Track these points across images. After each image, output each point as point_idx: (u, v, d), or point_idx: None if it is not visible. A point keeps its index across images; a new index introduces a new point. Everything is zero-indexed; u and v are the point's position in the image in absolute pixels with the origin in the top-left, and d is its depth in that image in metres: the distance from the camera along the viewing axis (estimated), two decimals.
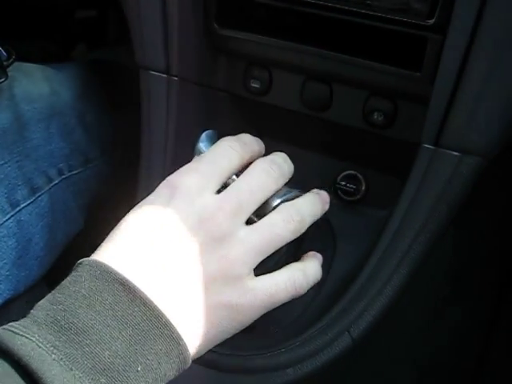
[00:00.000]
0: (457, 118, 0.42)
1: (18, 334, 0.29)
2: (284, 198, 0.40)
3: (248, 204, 0.37)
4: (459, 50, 0.41)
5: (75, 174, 0.65)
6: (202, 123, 0.48)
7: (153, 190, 0.39)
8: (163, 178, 0.52)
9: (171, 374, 0.33)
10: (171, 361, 0.32)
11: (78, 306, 0.30)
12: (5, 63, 0.56)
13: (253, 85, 0.53)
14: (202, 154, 0.41)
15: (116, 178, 0.71)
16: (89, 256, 0.34)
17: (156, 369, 0.31)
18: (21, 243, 0.56)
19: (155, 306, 0.31)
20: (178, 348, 0.32)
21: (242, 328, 0.37)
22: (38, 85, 0.63)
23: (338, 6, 0.44)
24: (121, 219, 0.37)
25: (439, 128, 0.43)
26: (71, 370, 0.28)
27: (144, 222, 0.35)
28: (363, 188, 0.53)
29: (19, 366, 0.28)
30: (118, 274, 0.31)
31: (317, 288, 0.49)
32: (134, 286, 0.31)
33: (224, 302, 0.35)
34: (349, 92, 0.50)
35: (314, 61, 0.49)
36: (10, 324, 0.30)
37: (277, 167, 0.40)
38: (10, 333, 0.29)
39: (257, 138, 0.43)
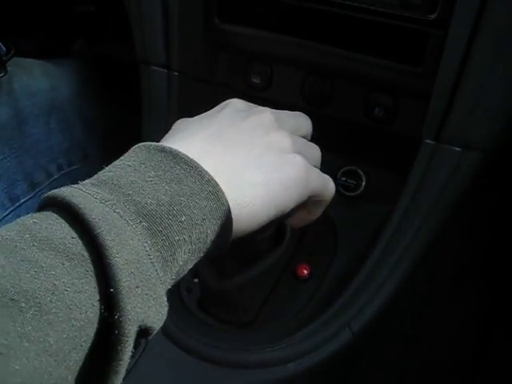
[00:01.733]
0: (458, 113, 0.42)
1: (64, 187, 0.29)
2: None
3: (295, 125, 0.40)
4: (461, 45, 0.41)
5: (75, 169, 0.65)
6: None
7: None
8: None
9: (214, 237, 0.32)
10: (214, 221, 0.31)
11: (123, 171, 0.31)
12: (4, 58, 0.56)
13: (254, 80, 0.53)
14: None
15: None
16: None
17: (199, 224, 0.30)
18: None
19: (197, 165, 0.31)
20: (221, 208, 0.31)
21: (292, 202, 0.36)
22: (37, 80, 0.62)
23: (339, 0, 0.44)
24: None
25: (440, 123, 0.43)
26: (112, 208, 0.28)
27: (194, 119, 0.38)
28: (364, 183, 0.53)
29: (62, 206, 0.28)
30: (162, 145, 0.32)
31: (317, 283, 0.49)
32: (178, 151, 0.32)
33: (282, 152, 0.36)
34: (350, 87, 0.50)
35: (315, 56, 0.49)
36: (66, 186, 0.30)
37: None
38: (56, 190, 0.29)
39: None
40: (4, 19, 0.76)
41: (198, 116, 0.38)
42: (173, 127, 0.38)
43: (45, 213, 0.28)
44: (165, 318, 0.29)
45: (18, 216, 0.55)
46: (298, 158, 0.36)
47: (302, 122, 0.41)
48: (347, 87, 0.50)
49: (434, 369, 0.59)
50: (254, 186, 0.33)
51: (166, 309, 0.29)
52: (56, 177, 0.62)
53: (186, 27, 0.50)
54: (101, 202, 0.27)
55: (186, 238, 0.30)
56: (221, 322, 0.48)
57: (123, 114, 0.72)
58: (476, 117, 0.42)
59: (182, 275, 0.31)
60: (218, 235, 0.32)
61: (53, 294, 0.25)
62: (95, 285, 0.26)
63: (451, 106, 0.42)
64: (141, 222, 0.28)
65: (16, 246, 0.26)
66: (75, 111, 0.65)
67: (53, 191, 0.29)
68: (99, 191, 0.28)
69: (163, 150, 0.32)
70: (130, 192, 0.29)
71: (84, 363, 0.26)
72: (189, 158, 0.31)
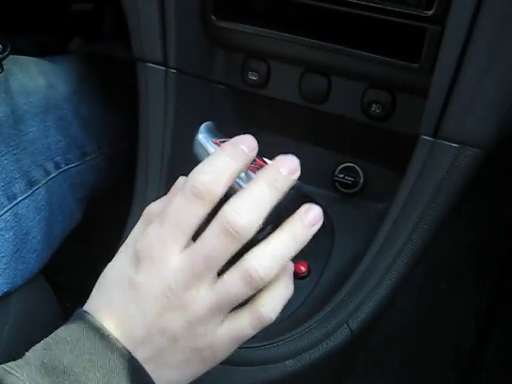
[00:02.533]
0: (455, 109, 0.42)
1: (10, 372, 0.33)
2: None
3: (207, 269, 0.36)
4: (458, 41, 0.41)
5: (72, 167, 0.64)
6: (199, 115, 0.48)
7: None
8: (161, 171, 0.53)
9: None
10: None
11: (61, 351, 0.34)
12: (0, 56, 0.56)
13: (251, 77, 0.53)
14: (166, 211, 0.38)
15: (113, 171, 0.71)
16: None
17: None
18: (18, 236, 0.56)
19: (127, 352, 0.35)
20: None
21: (216, 364, 0.39)
22: (33, 78, 0.62)
23: None
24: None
25: (438, 119, 0.43)
26: None
27: (115, 288, 0.38)
28: (361, 180, 0.53)
29: None
30: (96, 322, 0.36)
31: (315, 280, 0.49)
32: (108, 333, 0.35)
33: (195, 349, 0.37)
34: (347, 84, 0.50)
35: (312, 53, 0.49)
36: (7, 363, 0.34)
37: (241, 221, 0.35)
38: (4, 371, 0.33)
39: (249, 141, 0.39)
40: (0, 17, 0.75)
41: (116, 274, 0.38)
42: (100, 278, 0.39)
43: None
44: None
45: (16, 214, 0.55)
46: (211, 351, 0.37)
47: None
48: (344, 84, 0.50)
49: (431, 366, 0.59)
50: (171, 379, 0.37)
51: None
52: (53, 175, 0.62)
53: (182, 24, 0.50)
54: None
55: None
56: None
57: (120, 112, 0.72)
58: (473, 113, 0.42)
59: None
60: None
61: None
62: None
63: (448, 103, 0.42)
64: None
65: None
66: (72, 109, 0.65)
67: (2, 376, 0.32)
68: (41, 382, 0.32)
69: (98, 330, 0.35)
70: (67, 382, 0.33)
71: None
72: (119, 342, 0.35)
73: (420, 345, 0.55)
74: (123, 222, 0.53)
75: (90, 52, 0.78)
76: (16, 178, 0.56)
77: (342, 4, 0.45)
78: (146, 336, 0.36)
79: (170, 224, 0.37)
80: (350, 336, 0.45)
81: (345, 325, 0.45)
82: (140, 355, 0.36)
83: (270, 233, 0.39)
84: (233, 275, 0.36)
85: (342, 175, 0.53)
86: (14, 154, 0.57)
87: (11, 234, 0.55)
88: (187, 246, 0.37)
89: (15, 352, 0.35)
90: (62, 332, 0.36)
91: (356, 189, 0.53)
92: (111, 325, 0.36)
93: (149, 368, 0.36)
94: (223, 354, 0.38)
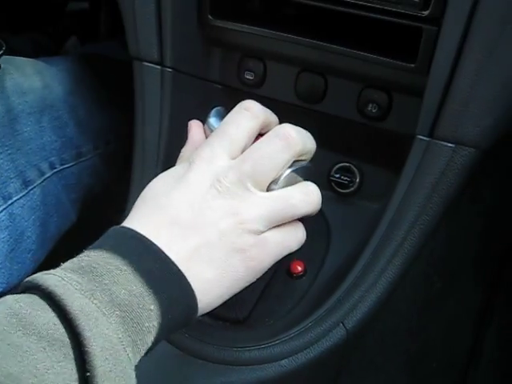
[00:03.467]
0: (451, 109, 0.42)
1: (46, 273, 0.33)
2: (297, 168, 0.41)
3: (255, 171, 0.39)
4: (454, 41, 0.41)
5: (67, 167, 0.64)
6: (195, 115, 0.48)
7: (145, 184, 0.42)
8: (157, 171, 0.53)
9: (181, 320, 0.36)
10: (180, 307, 0.35)
11: (99, 257, 0.34)
12: None
13: (247, 77, 0.53)
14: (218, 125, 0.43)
15: (109, 172, 0.71)
16: (82, 250, 0.37)
17: (167, 311, 0.34)
18: (13, 236, 0.55)
19: (166, 257, 0.35)
20: (186, 296, 0.35)
21: (257, 277, 0.39)
22: (29, 78, 0.62)
23: None
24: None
25: (434, 119, 0.43)
26: (90, 298, 0.31)
27: (163, 187, 0.40)
28: (357, 180, 0.53)
29: (45, 294, 0.31)
30: (135, 232, 0.36)
31: (311, 280, 0.49)
32: (148, 240, 0.35)
33: (237, 248, 0.38)
34: (343, 84, 0.50)
35: (309, 52, 0.49)
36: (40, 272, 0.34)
37: (295, 134, 0.41)
38: (40, 274, 0.33)
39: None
40: None
41: (163, 181, 0.41)
42: (141, 195, 0.41)
43: (31, 296, 0.32)
44: None
45: (11, 214, 0.55)
46: (253, 255, 0.38)
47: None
48: (341, 84, 0.50)
49: (427, 366, 0.59)
50: (209, 281, 0.37)
51: None
52: (48, 175, 0.61)
53: (179, 23, 0.50)
54: (80, 293, 0.31)
55: (155, 324, 0.34)
56: (215, 318, 0.48)
57: (116, 112, 0.71)
58: (469, 113, 0.42)
59: (151, 350, 0.35)
60: (185, 317, 0.36)
61: (35, 376, 0.28)
62: (73, 368, 0.30)
63: (444, 102, 0.42)
64: (114, 311, 0.32)
65: (4, 330, 0.29)
66: (68, 110, 0.65)
67: (36, 277, 0.33)
68: (79, 280, 0.32)
69: (136, 237, 0.36)
70: (107, 282, 0.32)
71: None
72: (159, 249, 0.35)
73: (416, 344, 0.55)
74: (118, 222, 0.53)
75: (85, 52, 0.78)
76: (11, 178, 0.56)
77: (338, 4, 0.45)
78: (191, 224, 0.37)
79: (218, 137, 0.41)
80: (346, 336, 0.45)
81: (340, 325, 0.45)
82: (179, 249, 0.36)
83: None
84: (292, 187, 0.40)
85: (338, 175, 0.53)
86: (9, 154, 0.57)
87: (6, 233, 0.55)
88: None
89: None
90: (97, 243, 0.36)
91: (352, 189, 0.53)
92: (147, 224, 0.37)
93: (187, 266, 0.36)
94: (265, 261, 0.39)
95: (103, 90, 0.70)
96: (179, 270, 0.35)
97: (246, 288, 0.41)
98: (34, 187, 0.59)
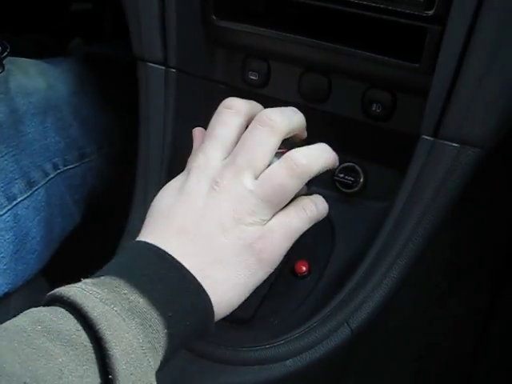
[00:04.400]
0: (456, 108, 0.42)
1: (67, 287, 0.34)
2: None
3: (247, 161, 0.40)
4: (458, 40, 0.41)
5: (71, 168, 0.64)
6: (199, 115, 0.48)
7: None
8: (161, 172, 0.53)
9: (198, 326, 0.37)
10: (197, 312, 0.36)
11: (116, 270, 0.35)
12: (0, 56, 0.56)
13: (251, 77, 0.53)
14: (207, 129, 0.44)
15: (113, 172, 0.71)
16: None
17: (185, 318, 0.35)
18: (18, 237, 0.55)
19: (180, 265, 0.36)
20: (202, 302, 0.36)
21: (272, 269, 0.40)
22: (33, 79, 0.62)
23: None
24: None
25: (438, 119, 0.43)
26: (110, 306, 0.32)
27: (167, 199, 0.42)
28: (361, 180, 0.53)
29: (67, 304, 0.32)
30: (149, 244, 0.37)
31: (316, 280, 0.49)
32: (162, 250, 0.37)
33: (245, 243, 0.38)
34: (347, 84, 0.50)
35: (313, 52, 0.49)
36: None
37: (276, 116, 0.41)
38: (61, 288, 0.34)
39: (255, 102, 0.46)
40: (0, 17, 0.75)
41: (167, 194, 0.42)
42: (149, 211, 0.43)
43: (53, 308, 0.33)
44: None
45: (16, 215, 0.55)
46: (262, 248, 0.39)
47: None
48: (345, 84, 0.50)
49: (432, 365, 0.59)
50: (224, 282, 0.38)
51: None
52: (52, 176, 0.61)
53: (183, 24, 0.50)
54: (101, 301, 0.32)
55: (174, 332, 0.34)
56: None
57: (120, 113, 0.72)
58: (474, 113, 0.42)
59: (171, 358, 0.36)
60: (203, 323, 0.37)
61: (59, 378, 0.29)
62: (96, 371, 0.31)
63: (449, 102, 0.42)
64: (134, 318, 0.33)
65: (29, 336, 0.30)
66: (72, 110, 0.65)
67: (57, 290, 0.34)
68: (99, 291, 0.33)
69: (150, 248, 0.37)
70: (125, 291, 0.34)
71: None
72: (173, 258, 0.36)
73: (420, 344, 0.55)
74: (123, 223, 0.53)
75: (89, 53, 0.78)
76: (16, 179, 0.56)
77: (342, 4, 0.45)
78: (197, 232, 0.38)
79: (209, 141, 0.42)
80: (351, 335, 0.44)
81: (345, 324, 0.45)
82: (190, 255, 0.37)
83: None
84: (276, 165, 0.40)
85: (342, 175, 0.53)
86: (14, 155, 0.57)
87: (11, 234, 0.55)
88: None
89: None
90: (115, 259, 0.37)
91: (356, 188, 0.53)
92: (157, 237, 0.38)
93: (201, 271, 0.37)
94: (276, 250, 0.40)
95: (107, 90, 0.71)
96: (193, 277, 0.36)
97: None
98: (39, 188, 0.59)
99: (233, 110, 0.43)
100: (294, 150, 0.41)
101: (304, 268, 0.49)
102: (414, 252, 0.45)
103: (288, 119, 0.42)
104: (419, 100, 0.45)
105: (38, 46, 0.85)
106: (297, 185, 0.40)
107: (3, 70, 0.55)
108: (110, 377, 0.30)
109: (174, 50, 0.51)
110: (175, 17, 0.49)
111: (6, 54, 0.57)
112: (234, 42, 0.53)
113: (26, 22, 0.83)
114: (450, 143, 0.43)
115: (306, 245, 0.45)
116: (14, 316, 0.33)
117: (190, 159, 0.46)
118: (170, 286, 0.35)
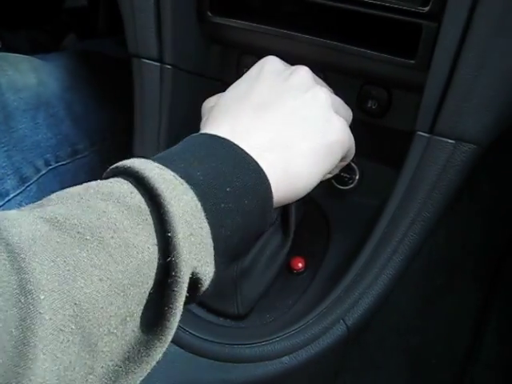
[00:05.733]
0: (451, 105, 0.42)
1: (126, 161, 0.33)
2: None
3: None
4: (454, 37, 0.41)
5: (63, 164, 0.64)
6: (195, 112, 0.48)
7: None
8: None
9: (256, 209, 0.35)
10: (257, 195, 0.35)
11: (174, 150, 0.35)
12: None
13: None
14: None
15: (105, 169, 0.70)
16: None
17: (243, 196, 0.34)
18: None
19: (238, 147, 0.35)
20: (262, 185, 0.35)
21: (336, 162, 0.41)
22: (24, 75, 0.62)
23: None
24: None
25: (434, 115, 0.43)
26: (169, 173, 0.31)
27: (240, 85, 0.42)
28: (357, 177, 0.52)
29: (123, 171, 0.32)
30: (208, 132, 0.37)
31: (312, 276, 0.49)
32: (222, 136, 0.36)
33: (315, 124, 0.39)
34: (343, 80, 0.50)
35: (308, 49, 0.48)
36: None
37: None
38: (119, 163, 0.33)
39: None
40: None
41: (237, 83, 0.42)
42: (218, 102, 0.42)
43: (109, 178, 0.32)
44: (211, 277, 0.32)
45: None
46: (340, 123, 0.40)
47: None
48: (340, 80, 0.50)
49: (427, 362, 0.59)
50: (303, 155, 0.38)
51: (213, 271, 0.31)
52: (44, 172, 0.61)
53: (178, 20, 0.50)
54: (158, 168, 0.31)
55: (232, 207, 0.33)
56: (216, 313, 0.47)
57: (113, 109, 0.71)
58: (469, 109, 0.42)
59: (230, 250, 0.34)
60: (261, 207, 0.35)
61: (114, 232, 0.28)
62: (152, 231, 0.29)
63: (444, 99, 0.42)
64: (191, 188, 0.31)
65: (82, 198, 0.29)
66: (64, 107, 0.64)
67: (116, 164, 0.33)
68: (156, 163, 0.32)
69: (211, 136, 0.36)
70: (182, 165, 0.32)
71: (143, 305, 0.28)
72: (233, 142, 0.35)
73: (415, 341, 0.55)
74: None
75: (82, 49, 0.78)
76: (8, 175, 0.56)
77: (337, 0, 0.45)
78: (273, 108, 0.38)
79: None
80: (347, 332, 0.44)
81: (341, 321, 0.45)
82: (257, 135, 0.37)
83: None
84: None
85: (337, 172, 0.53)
86: (6, 151, 0.56)
87: None
88: None
89: None
90: (169, 149, 0.36)
91: (352, 185, 0.53)
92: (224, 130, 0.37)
93: (267, 148, 0.36)
94: (346, 144, 0.41)
95: (99, 86, 0.70)
96: (252, 159, 0.35)
97: (251, 283, 0.41)
98: (31, 184, 0.59)
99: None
100: None
101: (300, 264, 0.49)
102: (409, 249, 0.45)
103: None
104: (415, 96, 0.45)
105: (32, 42, 0.84)
106: None
107: None
108: (169, 234, 0.29)
109: (170, 46, 0.50)
110: (170, 13, 0.49)
111: None
112: (229, 39, 0.52)
113: (19, 18, 0.82)
114: (445, 139, 0.43)
115: (302, 241, 0.45)
116: None
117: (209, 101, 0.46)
118: (229, 166, 0.34)
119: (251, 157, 0.35)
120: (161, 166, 0.31)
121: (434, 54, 0.42)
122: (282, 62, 0.43)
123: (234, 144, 0.35)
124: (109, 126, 0.71)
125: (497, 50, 0.40)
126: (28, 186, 0.58)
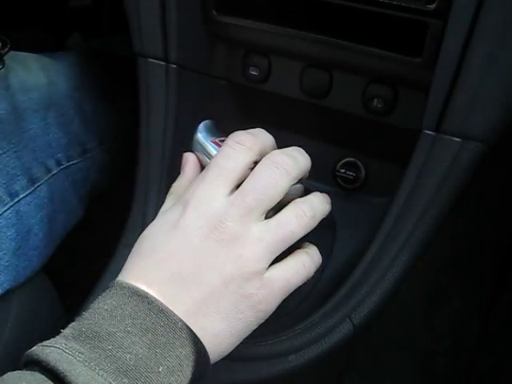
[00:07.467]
0: (458, 103, 0.42)
1: (47, 346, 0.31)
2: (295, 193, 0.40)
3: (259, 202, 0.37)
4: (460, 35, 0.40)
5: (74, 164, 0.64)
6: (200, 111, 0.48)
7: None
8: (162, 168, 0.53)
9: (195, 376, 0.34)
10: (193, 364, 0.34)
11: (100, 319, 0.32)
12: (1, 52, 0.56)
13: (252, 72, 0.53)
14: (211, 160, 0.40)
15: (115, 167, 0.71)
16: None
17: (178, 371, 0.33)
18: (20, 234, 0.56)
19: (171, 313, 0.33)
20: (195, 352, 0.34)
21: (266, 317, 0.38)
22: (34, 75, 0.62)
23: None
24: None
25: (440, 114, 0.43)
26: (95, 370, 0.30)
27: (159, 235, 0.38)
28: (363, 175, 0.52)
29: (48, 370, 0.30)
30: (136, 287, 0.34)
31: (318, 275, 0.49)
32: (151, 296, 0.34)
33: (245, 293, 0.36)
34: (348, 79, 0.50)
35: (314, 47, 0.48)
36: (43, 342, 0.32)
37: (290, 160, 0.39)
38: (41, 347, 0.31)
39: (266, 132, 0.43)
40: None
41: (159, 228, 0.38)
42: (136, 244, 0.39)
43: (33, 374, 0.30)
44: None
45: (18, 212, 0.55)
46: (260, 294, 0.37)
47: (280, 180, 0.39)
48: (346, 79, 0.50)
49: (433, 360, 0.59)
50: (219, 332, 0.36)
51: None
52: (55, 172, 0.62)
53: (183, 19, 0.50)
54: (84, 365, 0.30)
55: None
56: None
57: (122, 108, 0.71)
58: (476, 107, 0.41)
59: None
60: (198, 373, 0.34)
61: None
62: None
63: (451, 97, 0.42)
64: (122, 379, 0.30)
65: None
66: (73, 106, 0.65)
67: (36, 351, 0.31)
68: (81, 350, 0.30)
69: (138, 293, 0.34)
70: (110, 347, 0.31)
71: None
72: (163, 305, 0.33)
73: (422, 339, 0.55)
74: (125, 218, 0.53)
75: (90, 48, 0.78)
76: (18, 176, 0.56)
77: None
78: (194, 275, 0.35)
79: (213, 172, 0.38)
80: (353, 331, 0.45)
81: (347, 320, 0.45)
82: (185, 303, 0.34)
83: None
84: (286, 212, 0.38)
85: (343, 170, 0.53)
86: (16, 151, 0.57)
87: (13, 231, 0.55)
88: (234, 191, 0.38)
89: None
90: (97, 303, 0.34)
91: (357, 184, 0.53)
92: (147, 280, 0.35)
93: (195, 320, 0.34)
94: (273, 303, 0.38)
95: (109, 85, 0.70)
96: (186, 326, 0.34)
97: None
98: (41, 184, 0.59)
99: (245, 147, 0.39)
100: (301, 199, 0.40)
101: None
102: (415, 247, 0.45)
103: (299, 165, 0.40)
104: (421, 95, 0.45)
105: (37, 42, 0.85)
106: (302, 233, 0.39)
107: (3, 66, 0.55)
108: None
109: (175, 45, 0.50)
110: (176, 12, 0.49)
111: (6, 49, 0.57)
112: (234, 38, 0.52)
113: (24, 18, 0.82)
114: (451, 138, 0.43)
115: (307, 240, 0.45)
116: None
117: (176, 187, 0.43)
118: (160, 337, 0.32)
119: (184, 323, 0.34)
120: (88, 357, 0.30)
121: (441, 52, 0.42)
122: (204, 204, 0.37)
123: (172, 314, 0.34)
124: (118, 125, 0.71)
125: (503, 48, 0.40)
126: (38, 187, 0.59)
